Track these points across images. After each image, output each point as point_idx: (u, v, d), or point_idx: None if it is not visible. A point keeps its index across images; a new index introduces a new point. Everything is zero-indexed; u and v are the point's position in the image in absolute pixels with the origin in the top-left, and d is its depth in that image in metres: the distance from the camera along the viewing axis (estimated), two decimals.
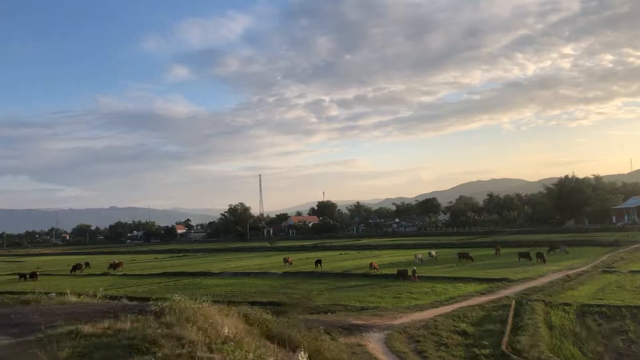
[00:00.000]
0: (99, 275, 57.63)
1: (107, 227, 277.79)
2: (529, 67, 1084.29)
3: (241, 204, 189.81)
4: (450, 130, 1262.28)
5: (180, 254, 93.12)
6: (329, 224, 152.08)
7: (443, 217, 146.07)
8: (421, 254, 52.52)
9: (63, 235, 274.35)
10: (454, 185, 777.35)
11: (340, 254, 70.57)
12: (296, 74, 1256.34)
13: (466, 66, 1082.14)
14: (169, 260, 79.68)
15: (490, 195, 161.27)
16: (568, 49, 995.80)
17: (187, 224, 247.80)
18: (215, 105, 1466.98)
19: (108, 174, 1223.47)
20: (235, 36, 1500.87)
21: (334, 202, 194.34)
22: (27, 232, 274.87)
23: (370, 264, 44.47)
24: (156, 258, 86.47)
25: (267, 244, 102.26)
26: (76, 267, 63.26)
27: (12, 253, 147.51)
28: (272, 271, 49.04)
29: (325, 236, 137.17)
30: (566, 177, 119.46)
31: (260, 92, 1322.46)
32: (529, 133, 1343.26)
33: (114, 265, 64.15)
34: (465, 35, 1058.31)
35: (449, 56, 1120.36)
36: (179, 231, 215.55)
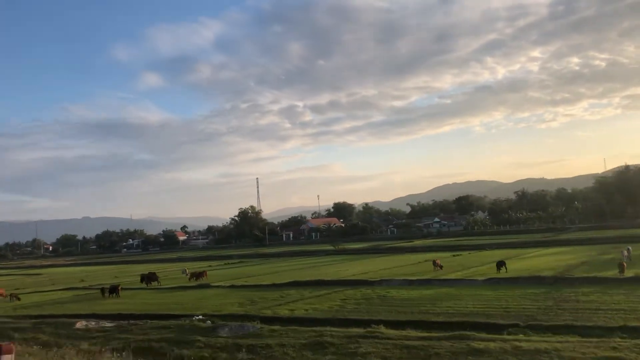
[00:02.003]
0: (191, 288, 45.50)
1: (93, 237, 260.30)
2: (499, 70, 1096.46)
3: (252, 207, 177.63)
4: (422, 134, 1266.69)
5: (231, 262, 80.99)
6: (358, 225, 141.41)
7: (482, 215, 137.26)
8: (625, 249, 42.34)
9: (45, 246, 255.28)
10: (430, 188, 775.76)
11: (454, 255, 59.83)
12: (269, 80, 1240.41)
13: (437, 70, 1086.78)
14: (236, 268, 67.76)
15: (522, 193, 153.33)
16: (536, 52, 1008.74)
17: (184, 230, 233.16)
18: (188, 113, 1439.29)
19: (79, 184, 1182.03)
20: (207, 43, 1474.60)
21: (350, 203, 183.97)
22: (7, 244, 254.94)
23: None
24: (210, 266, 73.97)
25: (326, 247, 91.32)
26: (150, 277, 51.02)
27: (10, 266, 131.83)
28: (443, 277, 38.14)
29: (357, 238, 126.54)
30: (626, 167, 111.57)
31: (233, 98, 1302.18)
32: (499, 135, 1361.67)
33: (197, 275, 52.12)
34: (435, 40, 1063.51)
35: (419, 61, 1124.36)
36: (180, 238, 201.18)
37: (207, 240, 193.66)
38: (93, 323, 27.66)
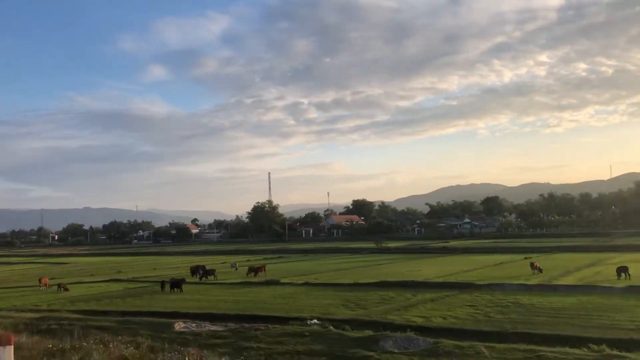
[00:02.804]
0: (258, 284, 40.96)
1: (100, 227, 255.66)
2: (506, 74, 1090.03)
3: (269, 201, 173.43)
4: (426, 135, 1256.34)
5: (270, 257, 76.49)
6: (383, 223, 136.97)
7: (512, 217, 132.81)
8: None
9: (51, 235, 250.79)
10: (433, 190, 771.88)
11: (526, 257, 55.26)
12: (275, 76, 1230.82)
13: (444, 72, 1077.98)
14: (285, 264, 63.33)
15: (550, 195, 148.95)
16: (544, 57, 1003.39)
17: (195, 223, 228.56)
18: (192, 106, 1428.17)
19: (81, 174, 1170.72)
20: (213, 37, 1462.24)
21: (370, 200, 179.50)
22: (14, 232, 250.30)
23: None
24: (249, 260, 69.34)
25: (354, 245, 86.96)
26: (207, 272, 46.53)
27: (22, 253, 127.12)
28: (560, 283, 33.68)
29: (383, 237, 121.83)
30: None
31: (237, 93, 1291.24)
32: (504, 139, 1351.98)
33: (255, 270, 47.59)
34: (443, 41, 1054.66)
35: (426, 61, 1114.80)
36: (192, 231, 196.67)
37: (219, 234, 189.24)
38: (194, 325, 23.13)
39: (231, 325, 23.01)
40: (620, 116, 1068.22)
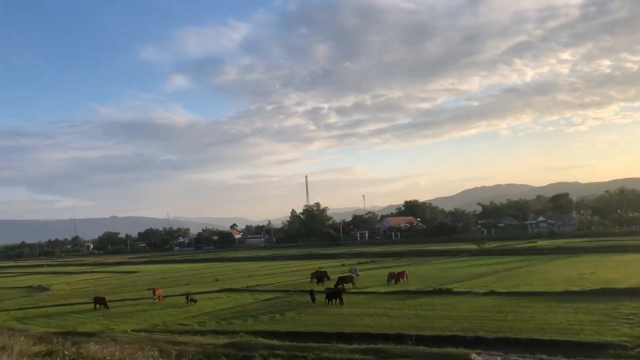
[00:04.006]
0: (424, 294, 33.78)
1: (135, 236, 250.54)
2: (528, 73, 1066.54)
3: (317, 204, 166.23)
4: (448, 136, 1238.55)
5: (367, 261, 69.32)
6: (447, 224, 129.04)
7: (586, 214, 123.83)
8: None
9: (86, 244, 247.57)
10: (458, 192, 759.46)
11: None
12: (295, 82, 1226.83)
13: (464, 72, 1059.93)
14: (388, 269, 56.02)
15: (621, 191, 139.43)
16: (566, 55, 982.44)
17: (234, 229, 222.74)
18: (214, 114, 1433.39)
19: (106, 184, 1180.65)
20: (234, 45, 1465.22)
21: (422, 201, 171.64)
22: (50, 241, 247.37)
23: None
24: (343, 264, 62.20)
25: (467, 246, 79.60)
26: (343, 279, 39.53)
27: (75, 262, 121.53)
28: None
29: (448, 238, 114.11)
30: None
31: (258, 100, 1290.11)
32: (526, 139, 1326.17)
33: (396, 277, 40.46)
34: (463, 42, 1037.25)
35: (447, 62, 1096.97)
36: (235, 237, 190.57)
37: (262, 240, 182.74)
38: (499, 359, 15.98)
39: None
40: None
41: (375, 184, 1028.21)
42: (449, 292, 33.41)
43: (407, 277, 40.96)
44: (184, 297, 35.56)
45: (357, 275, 46.94)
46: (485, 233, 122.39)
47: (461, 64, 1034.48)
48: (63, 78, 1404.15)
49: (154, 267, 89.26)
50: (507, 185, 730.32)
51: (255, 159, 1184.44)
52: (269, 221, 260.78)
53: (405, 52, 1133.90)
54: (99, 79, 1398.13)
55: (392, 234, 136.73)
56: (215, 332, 25.28)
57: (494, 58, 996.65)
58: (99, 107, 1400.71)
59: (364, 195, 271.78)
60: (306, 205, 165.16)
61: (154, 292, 38.16)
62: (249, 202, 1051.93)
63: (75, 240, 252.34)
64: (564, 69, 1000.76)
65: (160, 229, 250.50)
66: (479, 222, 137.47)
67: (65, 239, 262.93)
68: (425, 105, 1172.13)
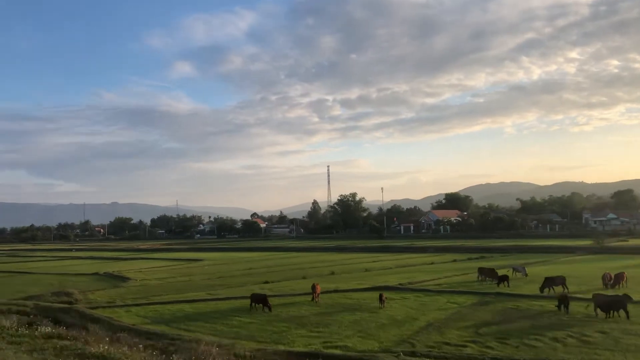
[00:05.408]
0: None
1: (149, 222, 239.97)
2: (534, 71, 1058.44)
3: (353, 194, 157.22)
4: (452, 132, 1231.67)
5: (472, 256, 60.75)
6: (503, 219, 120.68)
7: None
8: None
9: (96, 229, 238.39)
10: (462, 188, 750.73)
11: None
12: (300, 73, 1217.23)
13: (471, 69, 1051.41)
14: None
15: None
16: (574, 54, 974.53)
17: (259, 217, 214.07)
18: (217, 103, 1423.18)
19: (108, 170, 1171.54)
20: (240, 33, 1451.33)
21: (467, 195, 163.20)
22: (60, 225, 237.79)
23: None
24: (433, 262, 53.63)
25: (571, 243, 71.41)
26: (501, 278, 31.08)
27: (102, 247, 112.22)
28: None
29: (504, 234, 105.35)
30: None
31: (262, 90, 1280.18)
32: (531, 137, 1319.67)
33: (615, 280, 31.75)
34: (471, 38, 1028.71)
35: (454, 58, 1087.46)
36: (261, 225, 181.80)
37: (288, 230, 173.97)
38: None
39: None
40: None
41: (377, 178, 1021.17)
42: None
43: (625, 279, 32.22)
44: (378, 296, 26.68)
45: (526, 274, 38.41)
46: (548, 229, 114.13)
47: (468, 59, 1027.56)
48: (68, 62, 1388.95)
49: (213, 254, 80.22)
50: (512, 183, 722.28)
51: (258, 150, 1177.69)
52: (280, 212, 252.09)
53: (412, 46, 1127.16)
54: (104, 64, 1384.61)
55: (441, 228, 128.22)
56: None
57: (501, 55, 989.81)
58: (103, 92, 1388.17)
59: (382, 188, 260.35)
60: (341, 195, 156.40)
61: (313, 289, 29.34)
62: (250, 192, 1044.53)
63: (86, 225, 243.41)
64: (571, 68, 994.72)
65: (175, 216, 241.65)
66: (534, 218, 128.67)
67: (73, 224, 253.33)
68: (430, 100, 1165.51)
